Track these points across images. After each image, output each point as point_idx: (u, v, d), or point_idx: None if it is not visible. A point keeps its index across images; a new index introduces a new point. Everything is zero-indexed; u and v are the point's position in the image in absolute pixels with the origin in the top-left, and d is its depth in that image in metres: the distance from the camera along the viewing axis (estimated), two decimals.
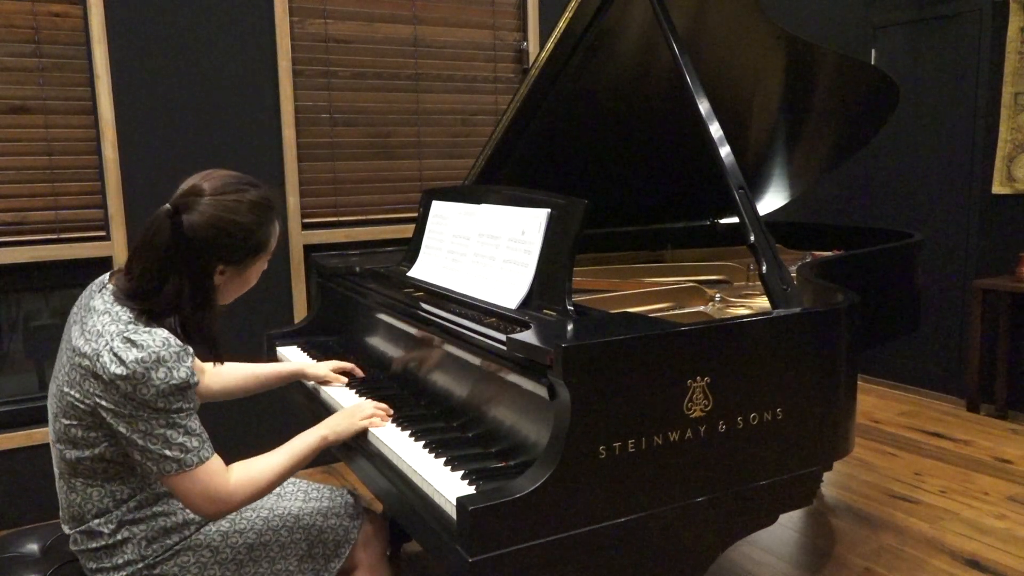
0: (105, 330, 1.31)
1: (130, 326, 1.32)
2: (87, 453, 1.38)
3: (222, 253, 1.40)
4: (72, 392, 1.35)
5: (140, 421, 1.30)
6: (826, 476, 3.07)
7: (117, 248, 2.95)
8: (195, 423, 1.35)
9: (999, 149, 3.84)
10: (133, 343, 1.29)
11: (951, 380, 4.17)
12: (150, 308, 1.36)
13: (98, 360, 1.29)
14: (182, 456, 1.32)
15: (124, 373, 1.27)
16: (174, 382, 1.30)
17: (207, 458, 1.35)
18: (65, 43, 2.86)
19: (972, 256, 4.03)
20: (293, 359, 2.27)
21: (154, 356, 1.28)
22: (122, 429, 1.31)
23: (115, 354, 1.28)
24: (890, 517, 2.83)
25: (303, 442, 1.53)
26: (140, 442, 1.31)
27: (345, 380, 2.00)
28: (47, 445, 2.85)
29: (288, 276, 3.30)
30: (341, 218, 3.41)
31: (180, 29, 3.01)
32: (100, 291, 1.41)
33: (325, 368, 2.00)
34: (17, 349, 3.01)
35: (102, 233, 2.96)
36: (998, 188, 3.86)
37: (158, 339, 1.30)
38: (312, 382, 2.03)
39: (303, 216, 3.31)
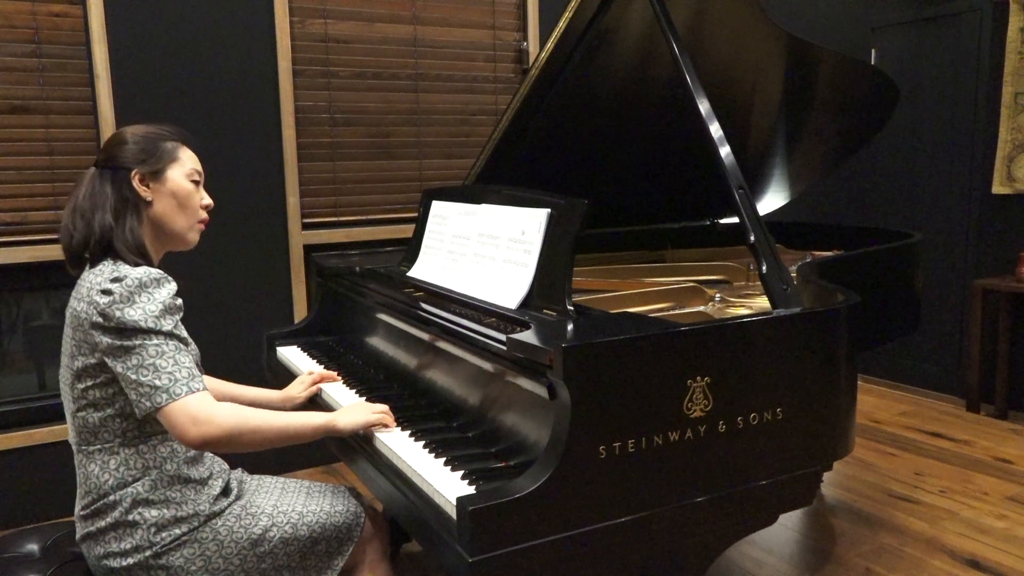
0: (93, 282, 1.43)
1: (114, 272, 1.43)
2: (108, 412, 1.45)
3: (131, 158, 1.52)
4: (80, 355, 1.43)
5: (132, 354, 1.38)
6: (826, 476, 3.07)
7: None
8: (186, 359, 1.42)
9: (999, 149, 3.84)
10: (116, 279, 1.41)
11: (951, 380, 4.17)
12: (101, 245, 1.47)
13: (90, 305, 1.40)
14: (170, 385, 1.38)
15: (109, 300, 1.38)
16: (159, 300, 1.41)
17: (197, 389, 1.40)
18: (65, 43, 2.86)
19: (972, 256, 4.03)
20: (293, 359, 2.27)
21: (136, 282, 1.40)
22: (119, 368, 1.39)
23: (102, 291, 1.40)
24: (890, 517, 2.83)
25: (308, 417, 1.56)
26: (133, 376, 1.37)
27: (315, 387, 1.99)
28: (47, 445, 2.89)
29: (288, 276, 3.30)
30: (341, 218, 3.41)
31: (180, 29, 3.01)
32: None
33: (297, 391, 1.97)
34: (17, 349, 3.01)
35: None
36: (998, 188, 3.86)
37: (138, 270, 1.43)
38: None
39: (303, 216, 3.31)
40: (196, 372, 1.43)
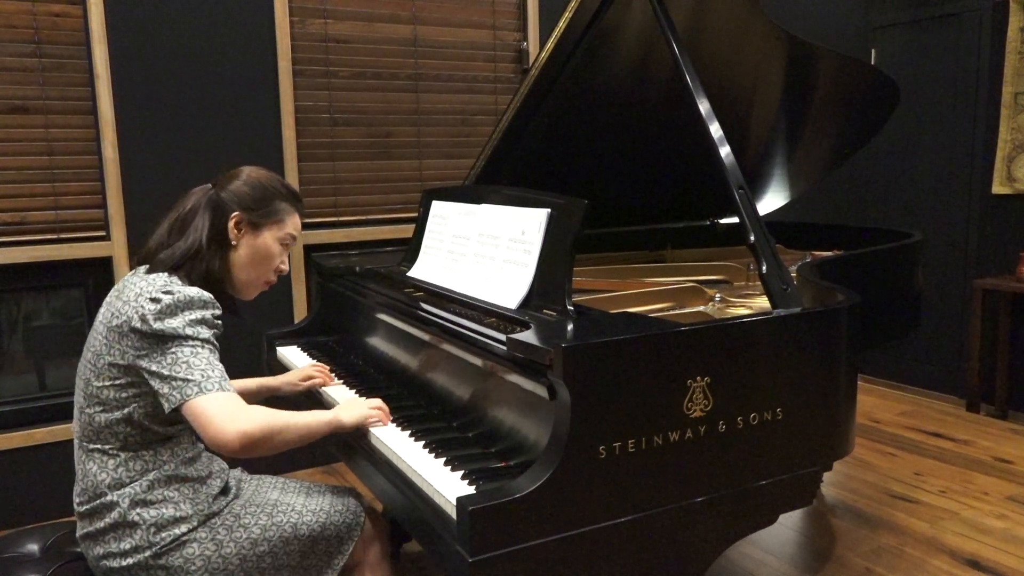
0: (143, 290, 1.45)
1: (167, 286, 1.46)
2: (116, 415, 1.46)
3: (238, 198, 1.58)
4: (107, 354, 1.44)
5: (168, 353, 1.39)
6: (826, 476, 3.06)
7: (117, 248, 2.95)
8: (219, 364, 1.44)
9: (999, 149, 3.84)
10: (169, 292, 1.44)
11: (951, 380, 4.17)
12: (173, 260, 1.51)
13: (136, 312, 1.41)
14: (203, 380, 1.38)
15: (157, 308, 1.40)
16: (201, 314, 1.43)
17: (228, 389, 1.41)
18: (65, 43, 2.86)
19: (972, 256, 4.03)
20: (293, 359, 2.27)
21: (186, 298, 1.43)
22: (153, 367, 1.40)
23: (151, 299, 1.42)
24: (890, 517, 2.83)
25: (318, 416, 1.56)
26: (165, 372, 1.39)
27: (319, 380, 2.00)
28: (47, 445, 2.90)
29: (288, 276, 3.30)
30: (341, 218, 3.41)
31: (180, 29, 3.01)
32: (132, 274, 1.55)
33: (295, 380, 2.00)
34: (17, 349, 3.01)
35: (102, 233, 2.96)
36: (998, 188, 3.86)
37: (191, 289, 1.46)
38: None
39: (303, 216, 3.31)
40: (228, 379, 1.44)
